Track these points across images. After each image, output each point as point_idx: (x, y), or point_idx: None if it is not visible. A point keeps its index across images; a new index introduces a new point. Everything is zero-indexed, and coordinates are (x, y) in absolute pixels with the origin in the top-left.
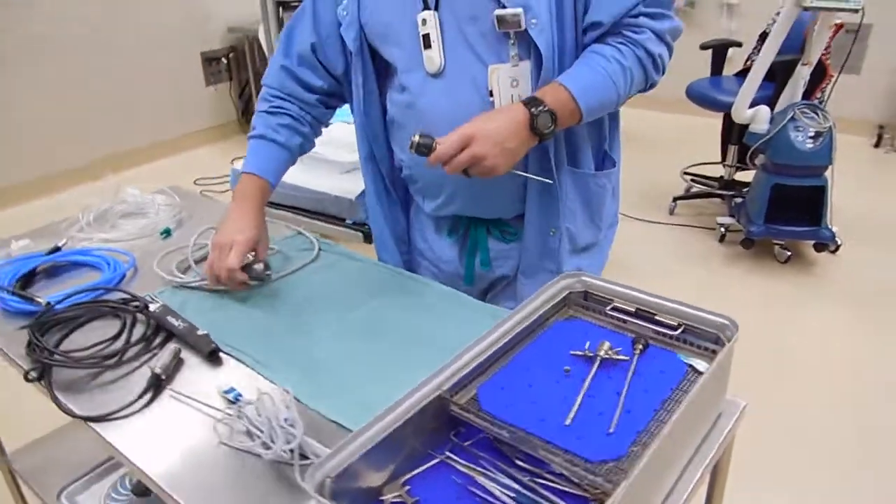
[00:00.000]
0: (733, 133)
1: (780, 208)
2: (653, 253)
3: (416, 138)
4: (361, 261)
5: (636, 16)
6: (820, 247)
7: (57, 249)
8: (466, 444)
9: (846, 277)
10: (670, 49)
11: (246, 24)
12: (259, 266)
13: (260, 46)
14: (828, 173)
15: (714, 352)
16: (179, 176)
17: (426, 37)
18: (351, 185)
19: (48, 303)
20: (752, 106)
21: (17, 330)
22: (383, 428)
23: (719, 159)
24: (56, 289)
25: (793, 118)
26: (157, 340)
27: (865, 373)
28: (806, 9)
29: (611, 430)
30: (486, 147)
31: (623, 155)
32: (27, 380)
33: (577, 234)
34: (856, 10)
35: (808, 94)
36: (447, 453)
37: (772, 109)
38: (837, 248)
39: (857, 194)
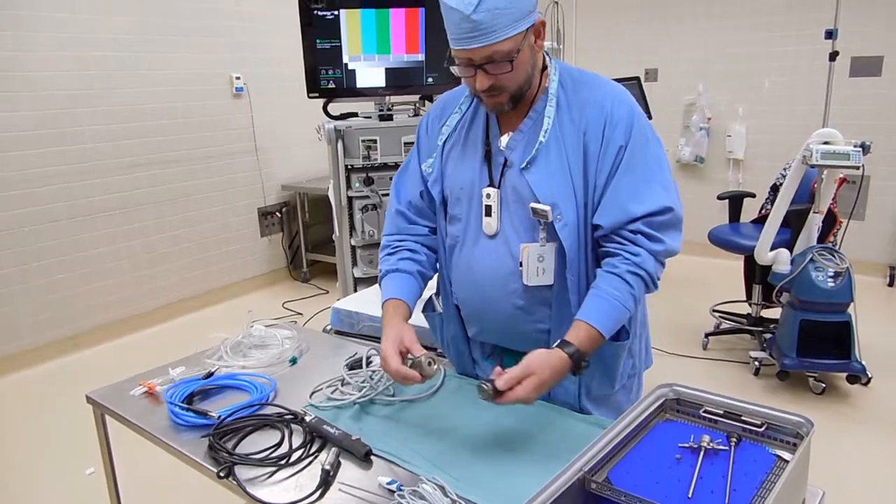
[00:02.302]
0: (756, 273)
1: (810, 342)
2: (692, 384)
3: (487, 385)
4: (474, 383)
5: (635, 232)
6: (852, 379)
7: (210, 375)
8: None
9: (883, 408)
10: (663, 266)
11: (297, 182)
12: (421, 359)
13: (308, 202)
14: (850, 309)
15: (795, 444)
16: (239, 318)
17: (488, 207)
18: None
19: (220, 416)
20: (771, 249)
21: (196, 439)
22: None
23: (744, 297)
24: (213, 406)
25: (812, 259)
26: (315, 445)
27: None
28: (812, 166)
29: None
30: (536, 395)
31: (652, 295)
32: (219, 477)
33: (591, 387)
34: (857, 168)
35: (821, 239)
36: None
37: (790, 252)
38: (869, 380)
39: (880, 331)
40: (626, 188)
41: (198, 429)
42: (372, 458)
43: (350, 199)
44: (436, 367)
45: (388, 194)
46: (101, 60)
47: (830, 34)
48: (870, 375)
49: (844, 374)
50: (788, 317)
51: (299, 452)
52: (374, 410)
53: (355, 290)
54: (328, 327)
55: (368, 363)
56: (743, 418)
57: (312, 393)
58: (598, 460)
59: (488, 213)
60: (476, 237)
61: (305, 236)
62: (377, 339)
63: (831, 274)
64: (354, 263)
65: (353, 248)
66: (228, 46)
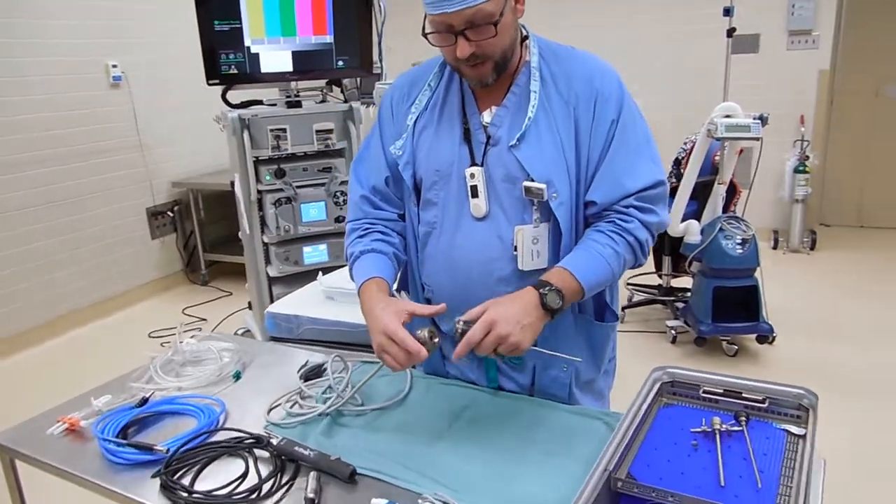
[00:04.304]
0: (665, 245)
1: (722, 308)
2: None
3: (461, 325)
4: (449, 383)
5: (627, 206)
6: (761, 339)
7: (145, 401)
8: None
9: (788, 363)
10: (654, 237)
11: (189, 178)
12: (425, 333)
13: (203, 199)
14: (757, 274)
15: (799, 417)
16: (136, 329)
17: (474, 188)
18: None
19: (168, 449)
20: (682, 221)
21: (142, 479)
22: None
23: (654, 269)
24: (154, 438)
25: (721, 229)
26: (288, 472)
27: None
28: (717, 139)
29: (759, 486)
30: (508, 327)
31: None
32: None
33: (580, 372)
34: (757, 139)
35: (725, 209)
36: None
37: (698, 223)
38: (773, 339)
39: (774, 291)
40: (620, 163)
41: (141, 467)
42: (356, 477)
43: (261, 194)
44: (437, 339)
45: (302, 186)
46: None
47: (728, 11)
48: (775, 334)
49: (754, 336)
50: (701, 285)
51: (270, 482)
52: (345, 422)
53: (270, 291)
54: (238, 332)
55: (323, 372)
56: (744, 395)
57: (270, 409)
58: (620, 455)
59: (475, 195)
60: (456, 222)
61: (202, 236)
62: (321, 344)
63: (739, 241)
64: (268, 262)
65: (266, 246)
66: (102, 31)
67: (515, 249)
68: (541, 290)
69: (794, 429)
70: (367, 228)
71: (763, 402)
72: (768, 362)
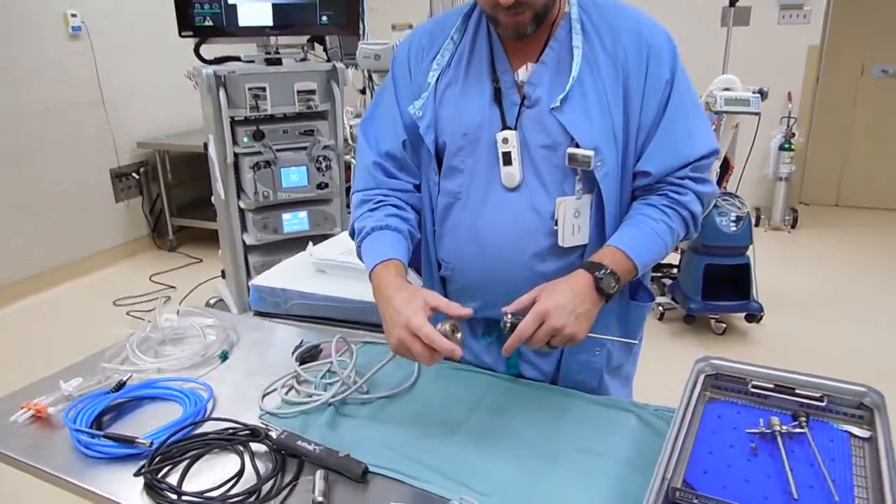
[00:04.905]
0: None
1: (713, 286)
2: None
3: (509, 318)
4: (463, 369)
5: (682, 178)
6: (750, 318)
7: (122, 385)
8: None
9: (777, 341)
10: (705, 209)
11: (156, 138)
12: (447, 327)
13: (170, 160)
14: (749, 252)
15: (860, 417)
16: (99, 297)
17: (507, 154)
18: None
19: (152, 442)
20: None
21: (122, 476)
22: None
23: None
24: (133, 428)
25: (716, 205)
26: (290, 470)
27: None
28: (716, 113)
29: (837, 499)
30: (563, 318)
31: None
32: None
33: (613, 354)
34: (756, 113)
35: (718, 184)
36: None
37: None
38: (761, 317)
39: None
40: (678, 129)
41: (121, 461)
42: (368, 476)
43: (237, 156)
44: (460, 334)
45: (283, 150)
46: None
47: None
48: (763, 313)
49: (743, 314)
50: (692, 262)
51: (271, 483)
52: (350, 412)
53: (246, 259)
54: (211, 301)
55: (319, 354)
56: (797, 391)
57: (264, 395)
58: (676, 463)
59: (507, 162)
60: (485, 192)
61: (169, 200)
62: (311, 320)
63: (734, 218)
64: (244, 229)
65: (242, 212)
66: None
67: (556, 223)
68: (595, 274)
69: (857, 431)
70: (380, 201)
71: (821, 399)
72: (757, 341)
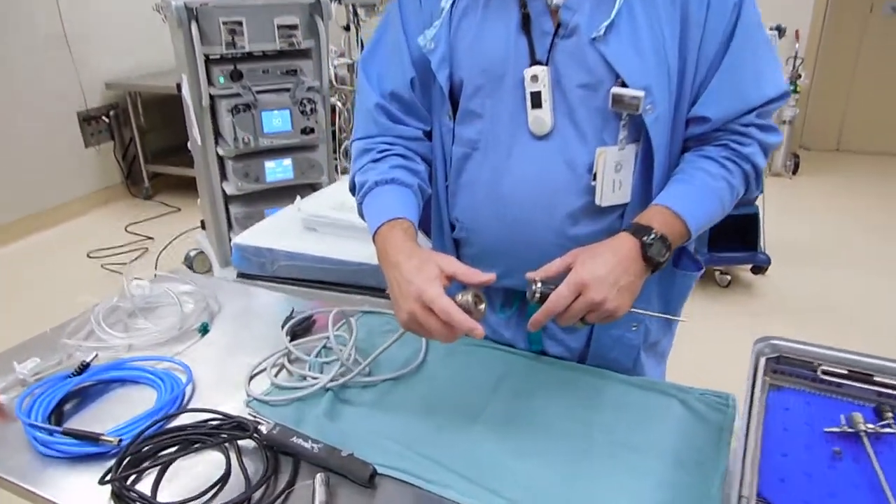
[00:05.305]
0: None
1: (720, 237)
2: None
3: (538, 287)
4: (477, 344)
5: (747, 125)
6: (757, 269)
7: (85, 367)
8: None
9: (783, 294)
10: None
11: (126, 79)
12: (469, 298)
13: (143, 103)
14: (758, 202)
15: None
16: (71, 248)
17: (536, 95)
18: None
19: (120, 440)
20: None
21: (84, 481)
22: None
23: None
24: (100, 420)
25: None
26: (287, 471)
27: None
28: None
29: None
30: (604, 290)
31: None
32: None
33: (651, 329)
34: None
35: None
36: None
37: None
38: (767, 268)
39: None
40: (745, 68)
41: (84, 462)
42: (376, 479)
43: (213, 99)
44: (484, 305)
45: (263, 91)
46: None
47: None
48: (769, 264)
49: (749, 266)
50: None
51: (262, 489)
52: (350, 398)
53: (227, 210)
54: (191, 253)
55: (312, 326)
56: (876, 379)
57: (250, 378)
58: (749, 471)
59: (536, 104)
60: (509, 141)
61: (143, 145)
62: (301, 283)
63: None
64: (224, 178)
65: (221, 160)
66: None
67: (593, 178)
68: (643, 239)
69: None
70: (384, 150)
71: None
72: (764, 293)
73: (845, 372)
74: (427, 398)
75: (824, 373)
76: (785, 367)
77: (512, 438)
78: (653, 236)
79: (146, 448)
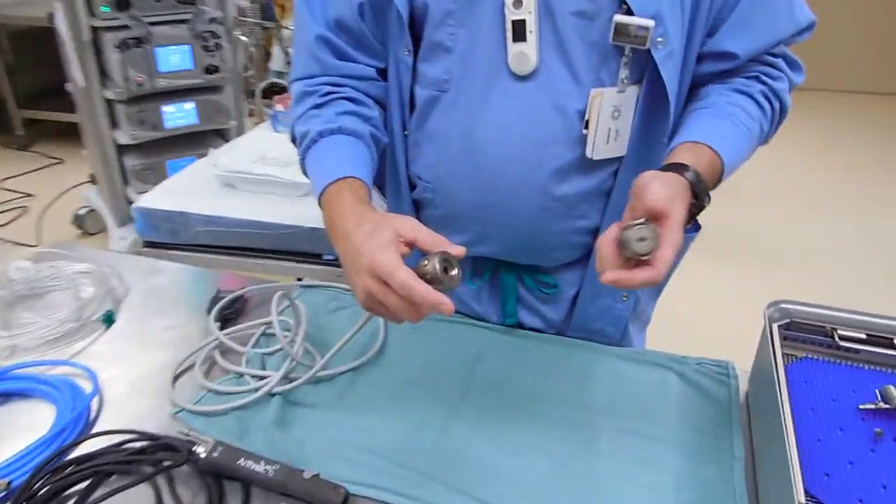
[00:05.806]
0: None
1: None
2: None
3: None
4: (443, 319)
5: (776, 56)
6: None
7: None
8: None
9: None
10: None
11: None
12: (435, 262)
13: (9, 37)
14: None
15: None
16: None
17: (519, 24)
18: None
19: (10, 482)
20: None
21: None
22: None
23: None
24: None
25: None
26: (235, 501)
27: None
28: None
29: None
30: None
31: None
32: None
33: (641, 297)
34: None
35: None
36: None
37: None
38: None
39: None
40: None
41: None
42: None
43: (96, 32)
44: (456, 271)
45: (157, 23)
46: None
47: None
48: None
49: None
50: None
51: None
52: (302, 398)
53: (121, 162)
54: (81, 212)
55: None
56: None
57: (175, 379)
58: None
59: (519, 36)
60: (485, 81)
61: (13, 86)
62: (220, 251)
63: None
64: (115, 125)
65: (110, 104)
66: None
67: (586, 126)
68: (695, 189)
69: None
70: (328, 93)
71: None
72: (744, 235)
73: (863, 336)
74: (395, 391)
75: (841, 338)
76: (798, 334)
77: (503, 433)
78: (696, 175)
79: (45, 489)
